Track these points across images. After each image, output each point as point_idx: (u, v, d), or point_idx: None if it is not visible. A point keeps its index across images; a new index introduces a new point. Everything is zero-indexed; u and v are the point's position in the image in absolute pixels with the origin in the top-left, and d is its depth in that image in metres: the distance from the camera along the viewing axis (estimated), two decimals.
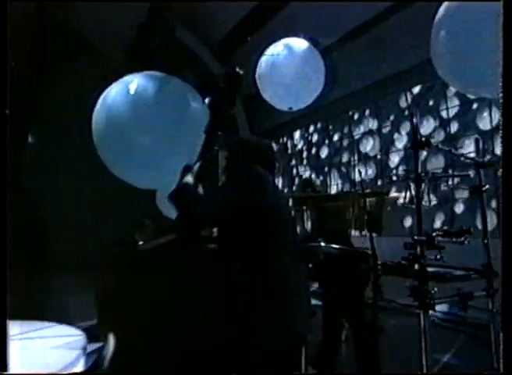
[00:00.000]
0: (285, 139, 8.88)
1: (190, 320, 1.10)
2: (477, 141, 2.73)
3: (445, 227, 2.12)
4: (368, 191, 3.29)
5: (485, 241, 2.29)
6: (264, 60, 4.85)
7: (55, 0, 7.27)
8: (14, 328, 2.37)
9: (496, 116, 4.69)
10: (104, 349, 1.07)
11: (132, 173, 4.47)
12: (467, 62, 3.13)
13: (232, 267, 1.21)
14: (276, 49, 4.74)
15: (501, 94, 1.42)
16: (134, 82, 4.33)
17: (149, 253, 1.32)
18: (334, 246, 2.39)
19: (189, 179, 1.41)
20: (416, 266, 1.91)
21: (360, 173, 3.22)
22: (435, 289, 1.91)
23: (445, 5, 3.18)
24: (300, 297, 1.43)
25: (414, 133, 2.00)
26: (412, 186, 2.10)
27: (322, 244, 2.38)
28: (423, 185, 2.14)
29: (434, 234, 1.92)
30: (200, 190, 1.46)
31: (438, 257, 1.93)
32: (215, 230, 1.28)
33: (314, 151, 7.99)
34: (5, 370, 1.40)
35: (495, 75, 3.10)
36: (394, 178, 2.23)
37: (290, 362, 1.36)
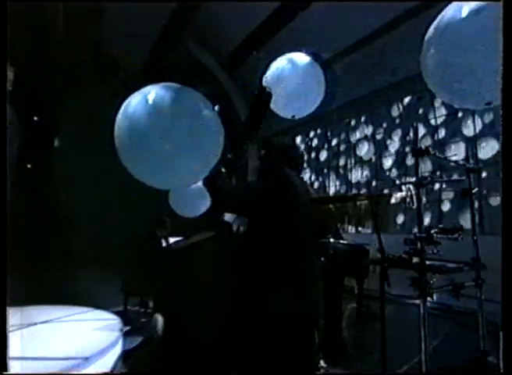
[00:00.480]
0: None
1: (228, 301, 1.20)
2: (466, 149, 2.81)
3: (441, 225, 2.19)
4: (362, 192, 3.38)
5: (474, 238, 2.37)
6: (270, 74, 4.94)
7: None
8: (58, 312, 2.46)
9: (479, 123, 4.80)
10: (152, 325, 1.15)
11: (150, 175, 4.60)
12: (454, 76, 3.22)
13: (264, 258, 1.29)
14: (280, 63, 4.83)
15: (501, 95, 1.32)
16: (153, 92, 4.47)
17: (193, 248, 1.40)
18: (342, 242, 2.48)
19: (222, 169, 1.48)
20: (416, 259, 2.00)
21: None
22: (434, 279, 1.99)
23: (434, 24, 3.28)
24: (317, 286, 1.52)
25: (415, 142, 2.10)
26: (411, 188, 2.19)
27: (331, 240, 2.47)
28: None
29: (432, 231, 2.01)
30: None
31: (435, 251, 2.01)
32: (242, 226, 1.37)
33: (314, 154, 8.08)
34: (5, 370, 1.39)
35: (478, 89, 3.23)
36: (397, 182, 2.29)
37: (311, 340, 1.46)
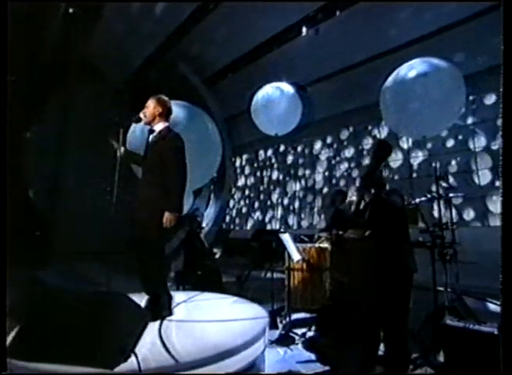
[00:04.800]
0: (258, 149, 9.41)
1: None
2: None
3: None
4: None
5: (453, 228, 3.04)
6: (260, 98, 5.48)
7: None
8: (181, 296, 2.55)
9: (410, 141, 5.90)
10: None
11: None
12: (401, 115, 4.12)
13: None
14: (269, 90, 5.41)
15: (502, 95, 1.27)
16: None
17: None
18: None
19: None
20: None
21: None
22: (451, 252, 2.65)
23: (391, 77, 4.12)
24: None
25: (436, 172, 2.73)
26: None
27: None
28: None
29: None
30: None
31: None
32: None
33: (280, 158, 8.67)
34: (5, 370, 1.32)
35: (418, 126, 4.17)
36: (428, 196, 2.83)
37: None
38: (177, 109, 4.99)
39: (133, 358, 1.31)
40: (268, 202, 9.00)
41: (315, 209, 7.55)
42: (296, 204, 8.23)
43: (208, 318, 2.06)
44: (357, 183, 6.10)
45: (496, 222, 5.00)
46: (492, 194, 5.07)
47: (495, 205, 5.05)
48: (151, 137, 2.45)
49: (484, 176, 5.21)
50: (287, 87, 5.42)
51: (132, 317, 1.34)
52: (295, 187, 8.16)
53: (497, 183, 5.12)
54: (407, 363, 1.83)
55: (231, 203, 10.04)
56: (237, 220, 9.89)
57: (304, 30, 6.25)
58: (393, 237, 1.90)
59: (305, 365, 2.00)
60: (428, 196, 2.76)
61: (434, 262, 2.41)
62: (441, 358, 1.88)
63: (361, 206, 1.98)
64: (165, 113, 2.47)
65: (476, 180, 5.23)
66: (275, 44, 6.75)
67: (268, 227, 8.74)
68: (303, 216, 7.92)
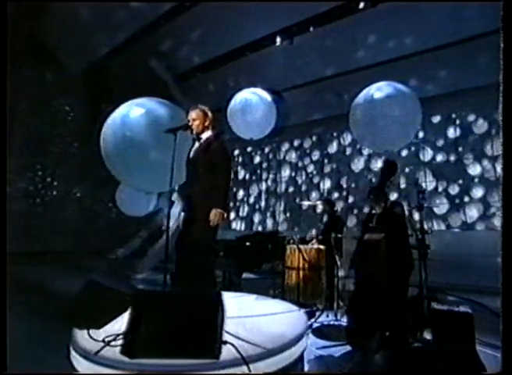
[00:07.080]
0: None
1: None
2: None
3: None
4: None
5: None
6: (237, 102, 5.66)
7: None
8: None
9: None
10: None
11: (142, 180, 4.83)
12: (369, 130, 4.68)
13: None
14: (247, 95, 5.61)
15: (501, 95, 1.29)
16: (146, 106, 4.71)
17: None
18: None
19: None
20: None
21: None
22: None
23: (362, 94, 4.66)
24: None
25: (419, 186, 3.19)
26: None
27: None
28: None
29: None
30: None
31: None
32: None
33: (248, 158, 8.91)
34: (5, 370, 1.34)
35: (381, 140, 4.77)
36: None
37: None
38: (158, 107, 4.97)
39: (230, 347, 1.47)
40: (231, 204, 9.18)
41: (281, 209, 8.00)
42: (262, 203, 8.57)
43: (250, 313, 2.12)
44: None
45: (440, 226, 6.03)
46: (435, 199, 6.07)
47: (439, 209, 6.09)
48: (197, 143, 2.61)
49: (430, 184, 6.17)
50: (265, 94, 5.69)
51: (216, 311, 1.47)
52: (260, 187, 8.49)
53: (439, 189, 6.20)
54: (406, 341, 2.29)
55: None
56: None
57: (279, 39, 6.60)
58: (399, 239, 2.34)
59: (324, 350, 2.33)
60: (412, 206, 3.32)
61: (420, 261, 2.95)
62: (426, 336, 2.41)
63: (373, 215, 2.38)
64: (212, 124, 2.68)
65: (424, 186, 6.17)
66: (248, 50, 7.00)
67: (233, 226, 8.96)
68: (268, 214, 8.30)
